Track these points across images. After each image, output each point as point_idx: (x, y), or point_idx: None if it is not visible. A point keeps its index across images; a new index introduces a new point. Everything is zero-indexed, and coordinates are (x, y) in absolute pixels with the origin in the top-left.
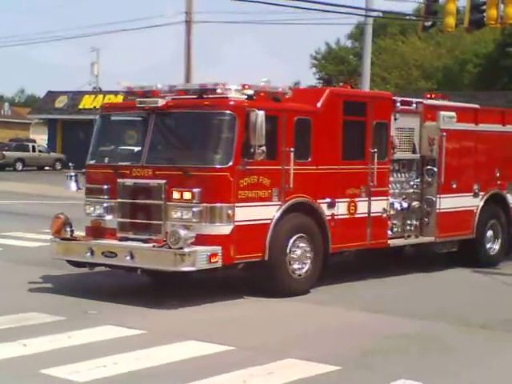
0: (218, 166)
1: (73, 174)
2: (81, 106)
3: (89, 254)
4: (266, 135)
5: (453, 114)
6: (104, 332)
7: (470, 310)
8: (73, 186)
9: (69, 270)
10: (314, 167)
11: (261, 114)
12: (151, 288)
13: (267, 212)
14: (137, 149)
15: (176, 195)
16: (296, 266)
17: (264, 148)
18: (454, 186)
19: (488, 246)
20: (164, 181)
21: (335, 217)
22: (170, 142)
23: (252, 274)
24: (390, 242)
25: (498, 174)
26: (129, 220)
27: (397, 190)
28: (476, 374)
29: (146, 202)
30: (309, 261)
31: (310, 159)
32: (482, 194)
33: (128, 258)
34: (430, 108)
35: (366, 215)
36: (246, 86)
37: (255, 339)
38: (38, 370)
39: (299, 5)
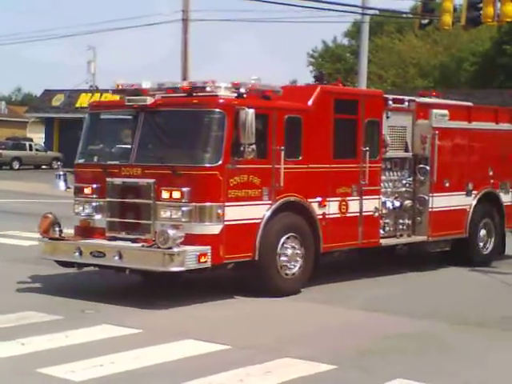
0: (207, 165)
1: (61, 173)
2: (78, 105)
3: (77, 253)
4: (256, 134)
5: (445, 112)
6: (101, 331)
7: (466, 308)
8: (61, 185)
9: (65, 270)
10: (305, 166)
11: (251, 112)
12: (146, 287)
13: (257, 211)
14: (126, 147)
15: (165, 194)
16: (286, 265)
17: (254, 146)
18: (447, 184)
19: (481, 245)
20: (153, 180)
21: (326, 216)
22: (160, 141)
23: (242, 273)
24: (382, 241)
25: (491, 173)
26: (118, 219)
27: (389, 189)
28: (474, 373)
29: (135, 202)
30: (300, 260)
31: (300, 158)
32: (474, 192)
33: (116, 257)
34: (422, 106)
35: (358, 214)
36: (236, 84)
37: (252, 338)
38: (35, 368)
39: (296, 3)
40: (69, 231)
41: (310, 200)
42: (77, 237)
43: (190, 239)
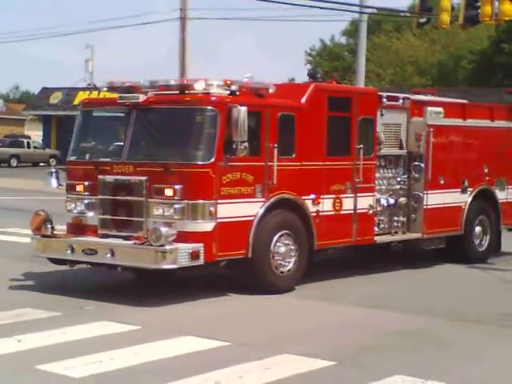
0: (199, 163)
1: (53, 170)
2: (75, 103)
3: (69, 251)
4: (249, 131)
5: (440, 109)
6: (100, 328)
7: (464, 305)
8: (54, 182)
9: (62, 267)
10: (299, 163)
11: (243, 109)
12: (143, 284)
13: (250, 209)
14: (118, 145)
15: (157, 192)
16: (280, 263)
17: (246, 144)
18: (442, 181)
19: (477, 242)
20: (145, 177)
21: (320, 213)
22: (152, 138)
23: (235, 271)
24: (376, 238)
25: (486, 170)
26: (110, 217)
27: (383, 186)
28: (472, 369)
29: (127, 199)
30: (293, 258)
31: (294, 155)
32: (470, 189)
33: (108, 255)
34: (416, 103)
35: (352, 211)
36: (229, 82)
37: (250, 335)
38: (33, 365)
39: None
40: (63, 227)
41: (303, 197)
42: (69, 234)
43: (183, 237)
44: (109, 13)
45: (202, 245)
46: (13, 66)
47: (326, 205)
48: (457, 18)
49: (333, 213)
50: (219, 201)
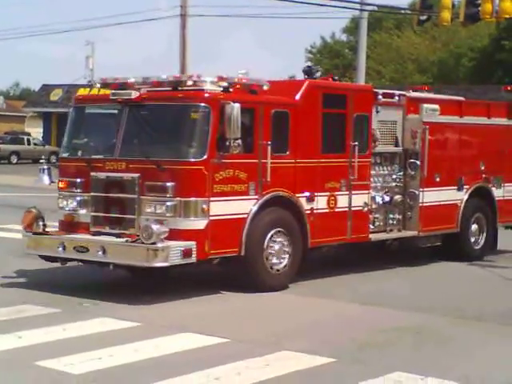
0: (192, 160)
1: (45, 167)
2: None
3: (60, 248)
4: (243, 128)
5: (436, 106)
6: (99, 324)
7: (463, 302)
8: (45, 179)
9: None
10: (293, 160)
11: (236, 106)
12: (142, 282)
13: (244, 206)
14: (110, 142)
15: (149, 189)
16: (274, 261)
17: (240, 141)
18: (438, 179)
19: (473, 239)
20: (137, 174)
21: (314, 211)
22: (144, 135)
23: (228, 269)
24: (371, 236)
25: (482, 168)
26: (102, 214)
27: (379, 184)
28: (472, 366)
29: (119, 196)
30: (287, 256)
31: (288, 152)
32: (466, 187)
33: (100, 253)
34: (412, 100)
35: (347, 209)
36: (222, 78)
37: (249, 332)
38: (33, 362)
39: None
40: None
41: (297, 195)
42: (61, 231)
43: (175, 234)
44: (109, 10)
45: (194, 243)
46: (13, 62)
47: (321, 202)
48: (457, 16)
49: (327, 210)
50: (212, 198)
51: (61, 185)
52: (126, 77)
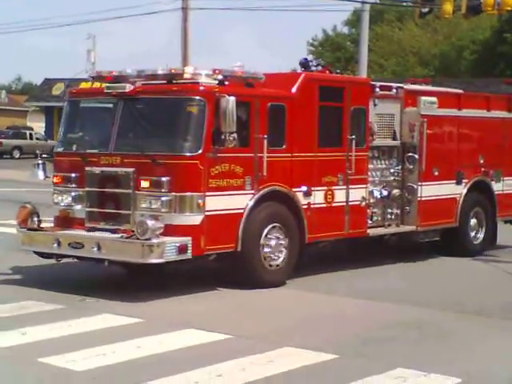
0: (187, 154)
1: (40, 161)
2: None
3: (55, 244)
4: (238, 122)
5: (434, 99)
6: (102, 321)
7: (464, 297)
8: (40, 174)
9: (67, 259)
10: (289, 155)
11: (231, 99)
12: (138, 278)
13: (240, 201)
14: (105, 136)
15: (144, 184)
16: (270, 256)
17: (235, 135)
18: (436, 173)
19: (472, 234)
20: (132, 169)
21: (311, 205)
22: (139, 129)
23: (225, 265)
24: (369, 231)
25: (482, 161)
26: (97, 209)
27: (376, 178)
28: (473, 361)
29: (114, 191)
30: (284, 251)
31: (284, 146)
32: (465, 181)
33: (95, 249)
34: (410, 93)
35: (344, 204)
36: (217, 71)
37: (251, 328)
38: (36, 358)
39: None
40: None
41: (294, 189)
42: (56, 227)
43: (170, 230)
44: (110, 3)
45: (189, 238)
46: (15, 56)
47: (318, 197)
48: (459, 8)
49: (324, 205)
50: (207, 193)
51: (55, 180)
52: (120, 70)
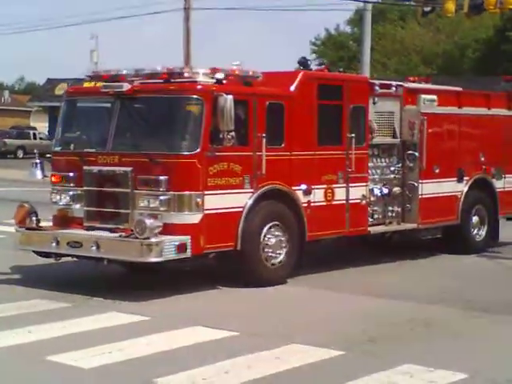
0: (185, 153)
1: (38, 161)
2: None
3: (54, 244)
4: (236, 120)
5: (434, 97)
6: (108, 319)
7: (470, 294)
8: (38, 173)
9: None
10: (288, 153)
11: (229, 98)
12: (149, 275)
13: (239, 200)
14: (103, 135)
15: (142, 183)
16: (270, 255)
17: (234, 134)
18: (437, 171)
19: (474, 232)
20: (130, 168)
21: (311, 204)
22: (137, 128)
23: (224, 263)
24: (370, 229)
25: (483, 159)
26: (95, 209)
27: (377, 176)
28: (480, 358)
29: (112, 190)
30: (284, 249)
31: (283, 145)
32: (466, 178)
33: (94, 248)
34: (410, 91)
35: (344, 202)
36: (215, 70)
37: (257, 325)
38: (43, 356)
39: None
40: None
41: (294, 188)
42: (54, 227)
43: (169, 229)
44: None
45: (188, 237)
46: (18, 57)
47: (318, 195)
48: (461, 7)
49: (324, 203)
50: (206, 192)
51: (53, 179)
52: (118, 69)
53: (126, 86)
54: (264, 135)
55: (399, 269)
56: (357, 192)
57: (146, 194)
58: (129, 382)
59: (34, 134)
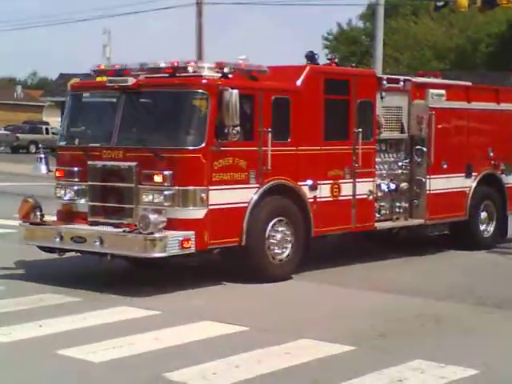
0: (190, 148)
1: (42, 155)
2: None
3: (58, 239)
4: (242, 115)
5: (442, 91)
6: (119, 313)
7: (481, 290)
8: (43, 168)
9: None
10: (294, 148)
11: (235, 92)
12: (160, 270)
13: (244, 195)
14: (107, 129)
15: (147, 178)
16: (276, 250)
17: (239, 128)
18: (445, 166)
19: (482, 227)
20: (135, 163)
21: (317, 199)
22: (141, 123)
23: (229, 259)
24: (377, 224)
25: (491, 154)
26: (100, 204)
27: (384, 171)
28: (491, 354)
29: (116, 185)
30: (289, 245)
31: (289, 140)
32: (474, 174)
33: (97, 243)
34: (418, 86)
35: (351, 197)
36: (220, 64)
37: (267, 320)
38: (54, 350)
39: None
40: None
41: (300, 183)
42: (58, 221)
43: (173, 224)
44: None
45: (193, 232)
46: (30, 52)
47: (324, 190)
48: (474, 1)
49: (331, 199)
50: (211, 187)
51: (58, 174)
52: (123, 63)
53: (131, 81)
54: (270, 130)
55: (406, 264)
56: (363, 187)
57: (150, 189)
58: (139, 376)
59: (47, 129)
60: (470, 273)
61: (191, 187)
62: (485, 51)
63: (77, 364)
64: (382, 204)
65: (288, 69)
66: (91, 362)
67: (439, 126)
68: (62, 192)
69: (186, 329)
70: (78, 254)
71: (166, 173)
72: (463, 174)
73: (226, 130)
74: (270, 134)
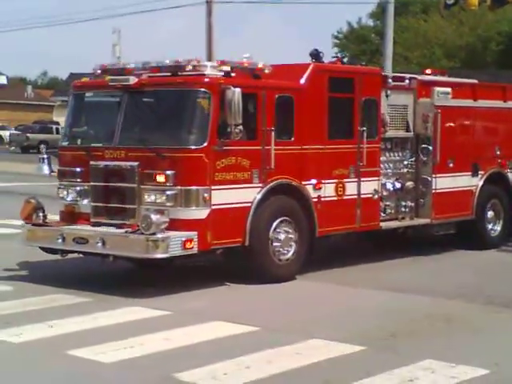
0: (192, 147)
1: (45, 156)
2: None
3: (60, 240)
4: (245, 114)
5: (448, 89)
6: (130, 313)
7: (490, 289)
8: (45, 168)
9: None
10: (298, 147)
11: (237, 91)
12: (170, 271)
13: (247, 194)
14: (109, 129)
15: (149, 178)
16: (279, 250)
17: (242, 127)
18: (451, 165)
19: (489, 227)
20: (137, 163)
21: (322, 199)
22: (143, 122)
23: (232, 259)
24: (382, 224)
25: (498, 152)
26: (102, 204)
27: (389, 170)
28: (502, 354)
29: (118, 186)
30: (293, 245)
31: (293, 139)
32: (481, 173)
33: (99, 244)
34: (424, 84)
35: (356, 197)
36: (223, 63)
37: (277, 320)
38: (64, 350)
39: None
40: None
41: (304, 182)
42: (61, 222)
43: (176, 224)
44: None
45: (195, 233)
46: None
47: (328, 190)
48: (485, 0)
49: (335, 198)
50: (213, 187)
51: (60, 175)
52: (125, 62)
53: (133, 80)
54: (273, 129)
55: (414, 264)
56: (368, 187)
57: (152, 189)
58: (149, 377)
59: (57, 129)
60: (478, 272)
61: (194, 187)
62: (495, 49)
63: (87, 364)
64: (388, 203)
65: (292, 67)
66: (101, 362)
67: (445, 125)
68: (65, 193)
69: (196, 329)
70: (81, 255)
71: (168, 173)
72: (470, 173)
73: (228, 129)
74: (273, 133)
